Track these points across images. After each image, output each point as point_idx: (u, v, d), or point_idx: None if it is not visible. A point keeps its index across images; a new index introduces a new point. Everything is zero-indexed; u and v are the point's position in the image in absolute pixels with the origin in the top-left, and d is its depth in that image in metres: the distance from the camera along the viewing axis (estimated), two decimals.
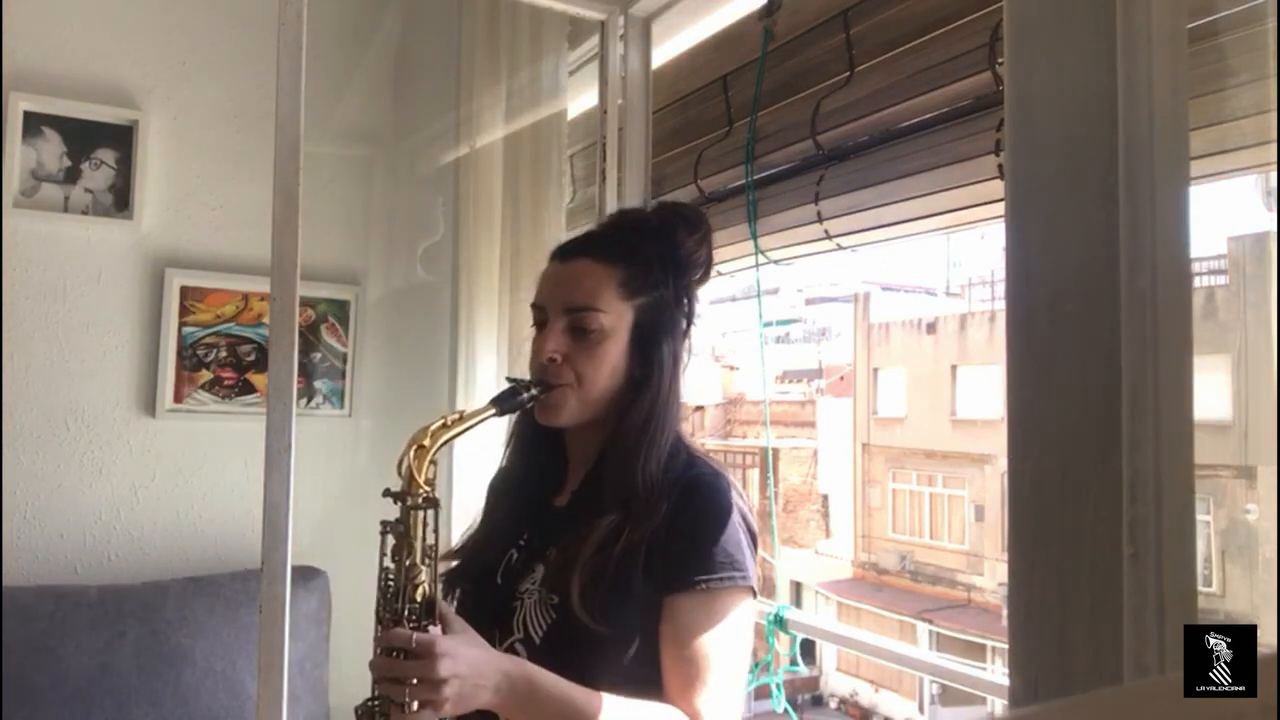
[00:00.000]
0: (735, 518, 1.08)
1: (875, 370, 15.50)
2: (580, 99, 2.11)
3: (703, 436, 17.32)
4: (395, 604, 1.00)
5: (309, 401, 2.20)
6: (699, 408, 17.69)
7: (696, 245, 1.19)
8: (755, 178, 1.67)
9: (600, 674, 1.01)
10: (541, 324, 1.15)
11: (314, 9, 1.28)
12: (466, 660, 0.95)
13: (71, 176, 2.01)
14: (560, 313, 1.12)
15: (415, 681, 0.92)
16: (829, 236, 1.54)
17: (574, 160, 2.15)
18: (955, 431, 14.00)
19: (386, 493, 1.03)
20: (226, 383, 2.13)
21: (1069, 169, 0.73)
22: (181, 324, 2.09)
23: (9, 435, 1.94)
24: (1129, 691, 0.48)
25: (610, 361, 1.12)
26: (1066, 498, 0.71)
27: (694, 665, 1.02)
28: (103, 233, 2.04)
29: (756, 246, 1.67)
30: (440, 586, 1.04)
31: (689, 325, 1.20)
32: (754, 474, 15.98)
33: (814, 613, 12.06)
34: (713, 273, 1.26)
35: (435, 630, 0.98)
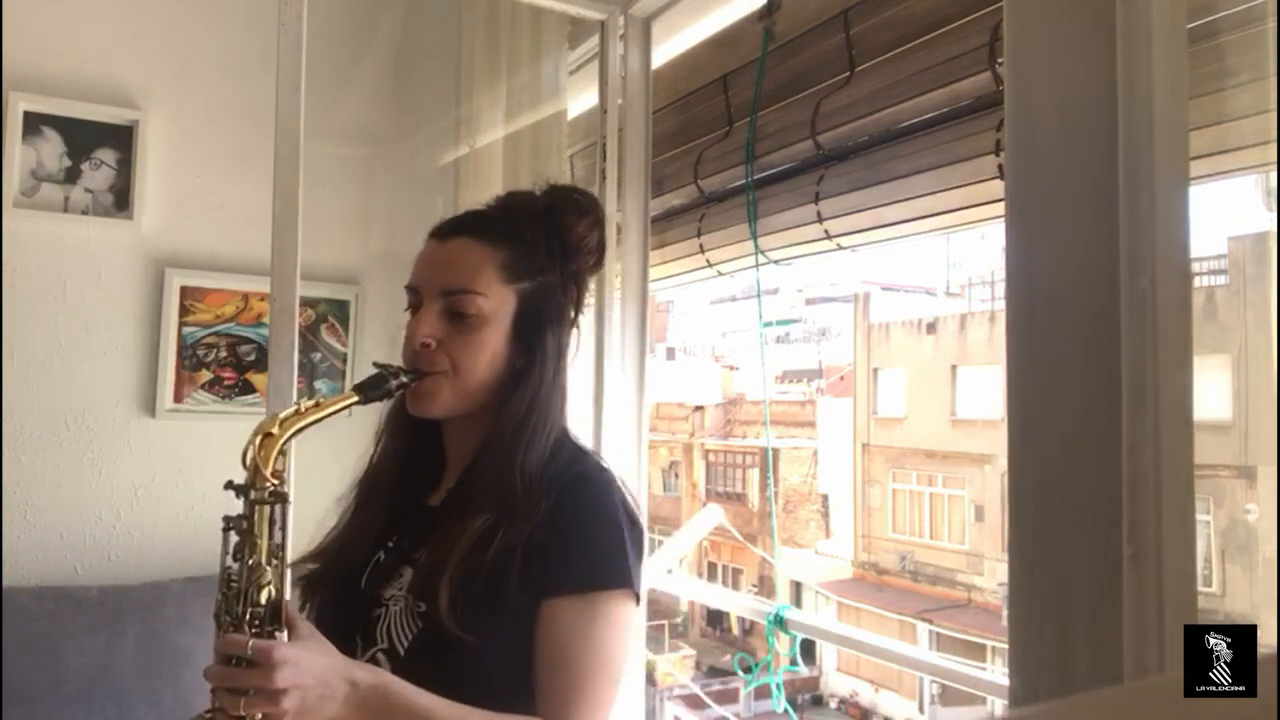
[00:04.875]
0: (619, 517, 1.02)
1: (875, 370, 15.50)
2: (580, 99, 2.11)
3: (702, 436, 17.34)
4: (236, 607, 0.91)
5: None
6: (699, 408, 17.70)
7: (587, 230, 1.12)
8: (755, 178, 1.67)
9: (469, 687, 0.94)
10: (415, 306, 1.07)
11: (314, 9, 1.28)
12: (310, 669, 0.87)
13: (71, 176, 2.01)
14: (436, 295, 1.05)
15: (252, 692, 0.85)
16: (829, 236, 1.54)
17: (574, 160, 2.15)
18: (955, 431, 14.00)
19: (229, 485, 0.96)
20: (226, 383, 2.13)
21: (1069, 169, 0.72)
22: (181, 324, 2.09)
23: (9, 435, 1.94)
24: (1129, 691, 0.48)
25: (489, 349, 1.04)
26: (1066, 498, 0.71)
27: (569, 674, 0.96)
28: (103, 233, 2.04)
29: (756, 246, 1.67)
30: (297, 591, 0.96)
31: (577, 314, 1.13)
32: (754, 474, 15.99)
33: (814, 613, 12.05)
34: (603, 261, 1.18)
35: (281, 637, 0.90)
